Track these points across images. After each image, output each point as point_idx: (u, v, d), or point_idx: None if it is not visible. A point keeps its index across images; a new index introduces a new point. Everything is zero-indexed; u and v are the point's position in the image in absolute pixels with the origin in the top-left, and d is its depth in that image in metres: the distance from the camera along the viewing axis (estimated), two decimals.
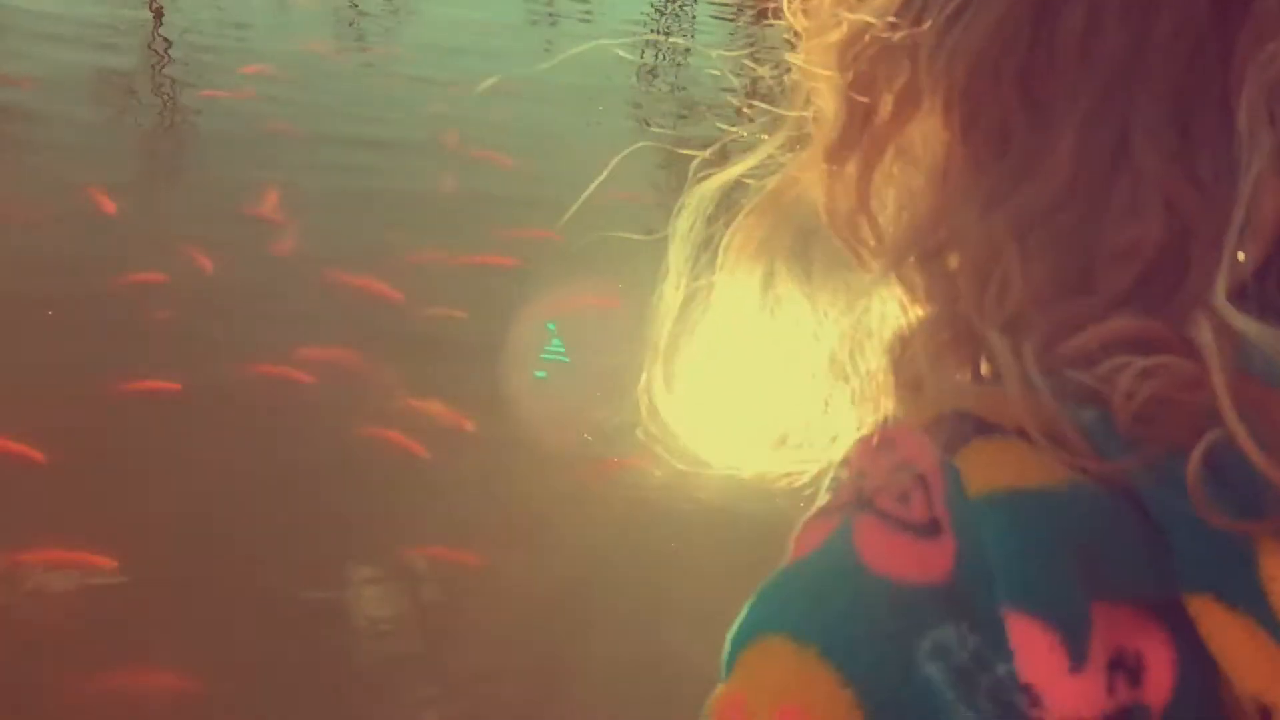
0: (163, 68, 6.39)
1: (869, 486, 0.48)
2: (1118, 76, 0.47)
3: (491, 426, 3.58)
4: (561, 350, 4.00)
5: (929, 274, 0.52)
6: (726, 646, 0.48)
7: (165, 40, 6.73)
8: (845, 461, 0.51)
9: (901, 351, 0.54)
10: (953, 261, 0.51)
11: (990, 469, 0.46)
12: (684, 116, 6.86)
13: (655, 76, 7.66)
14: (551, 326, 4.07)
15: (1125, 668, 0.43)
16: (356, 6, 7.99)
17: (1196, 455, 0.42)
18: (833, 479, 0.53)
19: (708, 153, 0.62)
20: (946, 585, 0.45)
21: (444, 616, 2.97)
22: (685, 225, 0.61)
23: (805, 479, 0.58)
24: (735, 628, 0.49)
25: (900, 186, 0.54)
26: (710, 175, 0.61)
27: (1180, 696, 0.44)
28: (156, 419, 3.46)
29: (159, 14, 7.09)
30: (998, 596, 0.43)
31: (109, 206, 4.48)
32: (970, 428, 0.47)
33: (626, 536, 3.32)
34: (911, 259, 0.52)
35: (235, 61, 6.36)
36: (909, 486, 0.47)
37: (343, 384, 3.72)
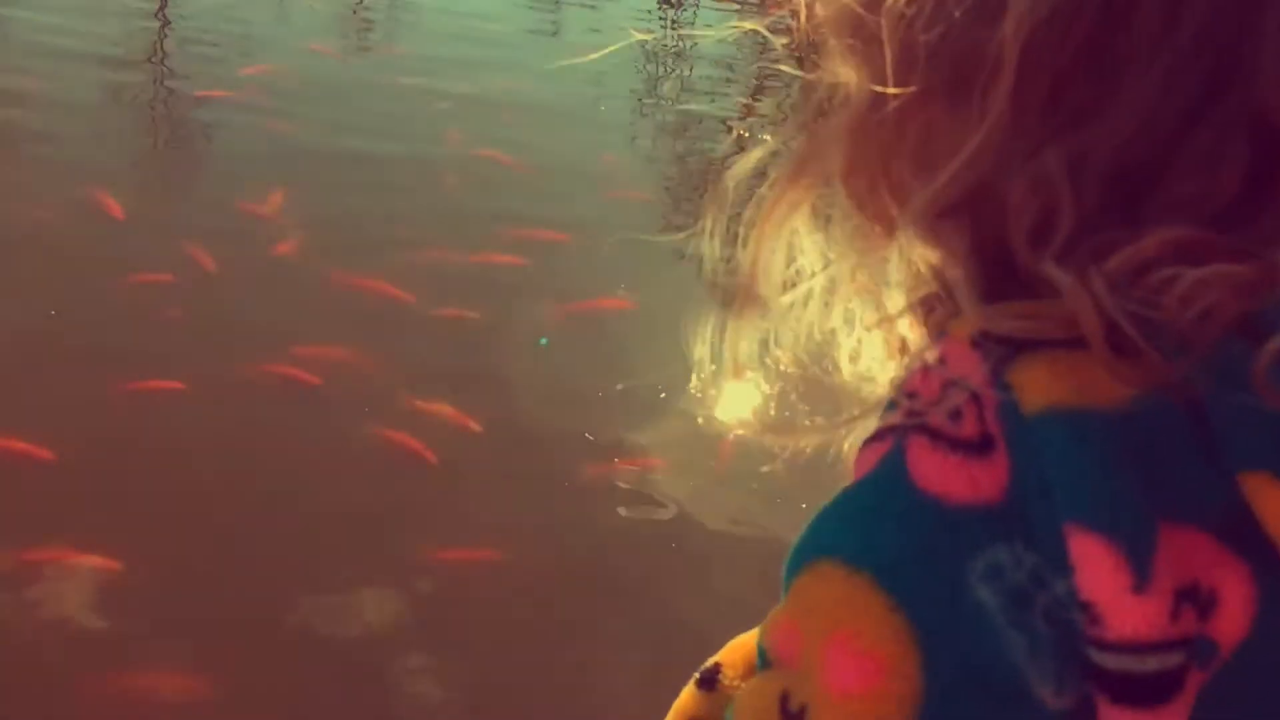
0: (166, 70, 6.39)
1: (921, 405, 0.48)
2: (1224, 20, 0.46)
3: (498, 427, 3.58)
4: (566, 351, 4.00)
5: (966, 217, 0.51)
6: (784, 570, 0.49)
7: (167, 45, 6.73)
8: (896, 383, 0.51)
9: (936, 295, 0.54)
10: (989, 206, 0.50)
11: (1047, 384, 0.45)
12: (686, 125, 6.86)
13: (659, 77, 7.66)
14: (544, 340, 4.06)
15: (1196, 600, 0.43)
16: (359, 7, 8.00)
17: (1269, 350, 0.42)
18: (886, 403, 0.52)
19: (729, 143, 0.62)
20: (1000, 503, 0.45)
21: (453, 617, 2.97)
22: (712, 220, 0.61)
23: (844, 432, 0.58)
24: (792, 552, 0.49)
25: (929, 144, 0.53)
26: (733, 163, 0.61)
27: (1259, 637, 0.44)
28: (164, 420, 3.46)
29: (162, 17, 7.09)
30: (1059, 512, 0.43)
31: (115, 209, 4.49)
32: (1015, 346, 0.47)
33: (633, 538, 3.32)
34: (947, 205, 0.51)
35: (238, 63, 6.37)
36: (960, 403, 0.47)
37: (349, 384, 3.72)
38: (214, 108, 5.80)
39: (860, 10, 0.52)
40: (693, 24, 9.17)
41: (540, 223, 4.83)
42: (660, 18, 9.15)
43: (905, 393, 0.50)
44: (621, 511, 3.38)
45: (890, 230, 0.55)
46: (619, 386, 3.45)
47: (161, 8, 7.19)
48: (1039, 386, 0.45)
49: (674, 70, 7.89)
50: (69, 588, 2.84)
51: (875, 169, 0.55)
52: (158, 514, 3.10)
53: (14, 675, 2.62)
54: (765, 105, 6.89)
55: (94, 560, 2.89)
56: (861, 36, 0.52)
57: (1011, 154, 0.49)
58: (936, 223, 0.52)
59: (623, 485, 3.47)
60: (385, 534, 3.17)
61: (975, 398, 0.46)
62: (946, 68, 0.50)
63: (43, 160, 4.89)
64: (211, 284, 4.14)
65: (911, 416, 0.48)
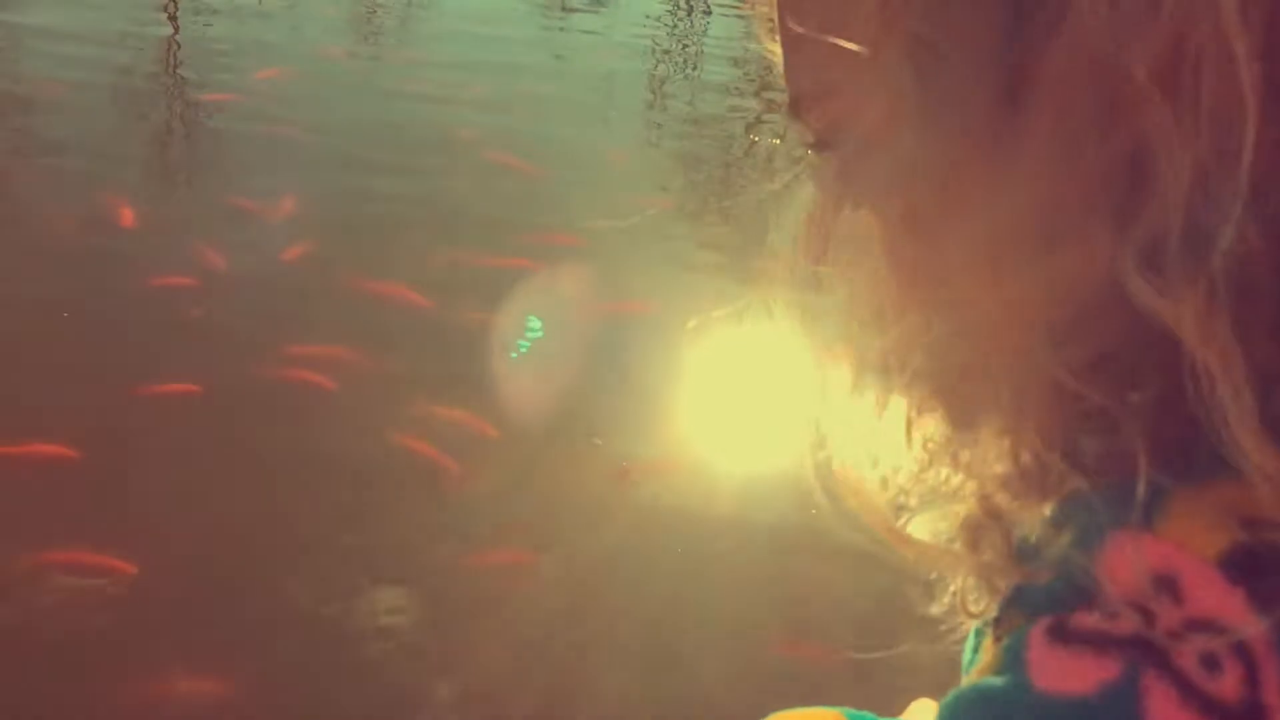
0: (179, 74, 6.42)
1: (1161, 634, 0.36)
2: None
3: (514, 432, 3.59)
4: (580, 354, 4.01)
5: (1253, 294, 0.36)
6: None
7: (180, 50, 6.77)
8: (1104, 574, 0.38)
9: (1109, 430, 0.40)
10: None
11: None
12: (695, 121, 6.87)
13: (666, 81, 7.67)
14: (534, 326, 4.07)
15: None
16: (372, 11, 8.02)
17: None
18: (1068, 568, 0.40)
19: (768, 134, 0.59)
20: None
21: (467, 622, 2.98)
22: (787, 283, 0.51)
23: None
24: None
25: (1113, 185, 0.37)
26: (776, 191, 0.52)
27: None
28: (180, 423, 3.48)
29: (174, 22, 7.13)
30: None
31: (128, 213, 4.51)
32: None
33: (643, 543, 3.32)
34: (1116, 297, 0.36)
35: (250, 66, 6.40)
36: (1220, 650, 0.35)
37: (364, 389, 3.73)
38: (227, 111, 5.82)
39: (917, 24, 0.39)
40: (705, 29, 9.18)
41: (553, 227, 4.84)
42: (670, 22, 9.16)
43: (1135, 601, 0.37)
44: (635, 516, 3.39)
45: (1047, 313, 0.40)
46: (634, 390, 3.46)
47: (174, 12, 7.22)
48: None
49: (685, 72, 7.90)
50: (86, 589, 2.86)
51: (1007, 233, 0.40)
52: (175, 516, 3.12)
53: (30, 677, 2.63)
54: (774, 98, 6.89)
55: (111, 562, 2.91)
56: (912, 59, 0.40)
57: (1266, 193, 0.35)
58: (1215, 305, 0.35)
59: (636, 489, 3.48)
60: (400, 538, 3.19)
61: (1245, 651, 0.35)
62: (1087, 86, 0.36)
63: (57, 165, 4.92)
64: (225, 288, 4.16)
65: (1151, 646, 0.36)
